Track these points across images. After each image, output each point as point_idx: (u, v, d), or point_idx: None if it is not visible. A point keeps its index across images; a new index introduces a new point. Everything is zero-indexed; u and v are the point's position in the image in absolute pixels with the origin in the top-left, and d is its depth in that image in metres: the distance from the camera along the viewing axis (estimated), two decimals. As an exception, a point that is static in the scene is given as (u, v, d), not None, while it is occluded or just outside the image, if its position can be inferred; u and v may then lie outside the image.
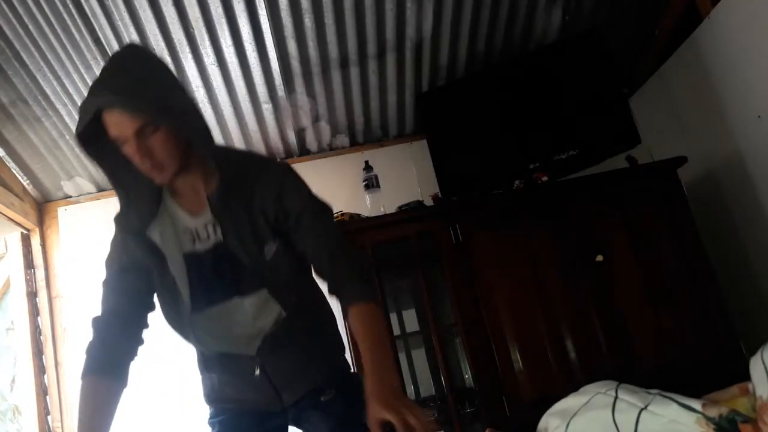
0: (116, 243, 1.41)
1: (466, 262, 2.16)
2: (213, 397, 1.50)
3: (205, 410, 1.53)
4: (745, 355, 2.05)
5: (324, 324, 1.50)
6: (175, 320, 1.38)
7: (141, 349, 1.41)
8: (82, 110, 1.17)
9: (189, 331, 1.38)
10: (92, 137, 1.20)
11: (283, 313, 1.35)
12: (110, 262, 1.42)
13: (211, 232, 1.32)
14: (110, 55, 1.18)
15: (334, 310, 1.50)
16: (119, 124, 1.14)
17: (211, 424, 1.50)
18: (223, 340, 1.40)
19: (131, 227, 1.32)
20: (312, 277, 1.39)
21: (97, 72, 2.31)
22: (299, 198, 1.32)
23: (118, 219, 1.37)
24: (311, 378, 1.37)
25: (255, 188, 1.30)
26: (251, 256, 1.30)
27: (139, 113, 1.13)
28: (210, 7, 2.15)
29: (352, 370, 1.59)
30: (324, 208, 1.36)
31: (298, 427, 1.50)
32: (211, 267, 1.33)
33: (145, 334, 1.40)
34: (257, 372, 1.38)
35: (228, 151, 1.39)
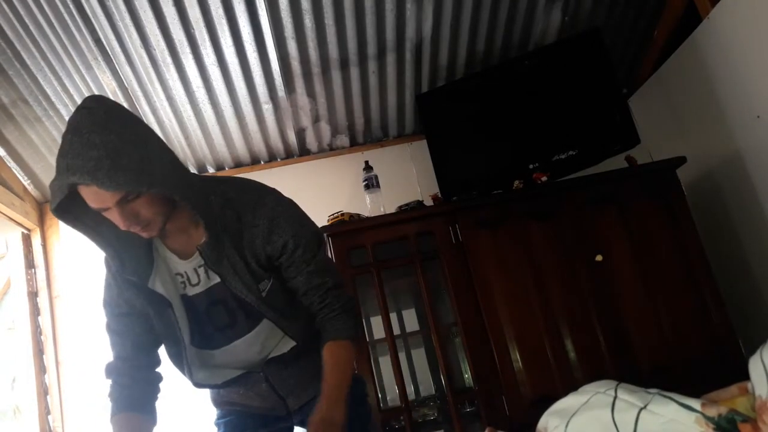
0: (111, 288, 1.39)
1: (466, 261, 2.16)
2: (219, 401, 1.52)
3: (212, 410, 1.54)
4: (744, 355, 2.05)
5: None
6: (177, 360, 1.38)
7: (163, 385, 1.43)
8: (55, 188, 1.11)
9: (191, 370, 1.37)
10: (69, 206, 1.16)
11: (291, 343, 1.36)
12: (107, 306, 1.41)
13: (202, 275, 1.31)
14: (72, 114, 1.12)
15: None
16: (97, 197, 1.10)
17: (218, 424, 1.51)
18: (228, 372, 1.39)
19: (130, 282, 1.29)
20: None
21: (98, 72, 2.33)
22: (288, 236, 1.29)
23: (107, 264, 1.36)
24: (315, 386, 1.35)
25: (245, 230, 1.28)
26: (253, 293, 1.29)
27: (116, 188, 1.07)
28: (210, 7, 2.15)
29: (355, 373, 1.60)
30: (313, 240, 1.33)
31: (305, 428, 1.51)
32: (207, 309, 1.33)
33: (161, 369, 1.41)
34: (263, 385, 1.40)
35: (213, 186, 1.30)
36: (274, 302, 1.31)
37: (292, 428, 1.51)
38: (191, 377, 1.37)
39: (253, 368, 1.39)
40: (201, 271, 1.31)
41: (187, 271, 1.32)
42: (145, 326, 1.35)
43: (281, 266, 1.31)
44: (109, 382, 1.36)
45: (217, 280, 1.30)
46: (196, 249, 1.27)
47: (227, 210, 1.28)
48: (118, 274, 1.32)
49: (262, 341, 1.37)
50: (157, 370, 1.41)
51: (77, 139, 1.08)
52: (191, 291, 1.32)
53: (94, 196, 1.10)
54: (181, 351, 1.34)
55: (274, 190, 1.36)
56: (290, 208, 1.34)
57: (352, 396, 1.30)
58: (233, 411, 1.50)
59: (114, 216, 1.14)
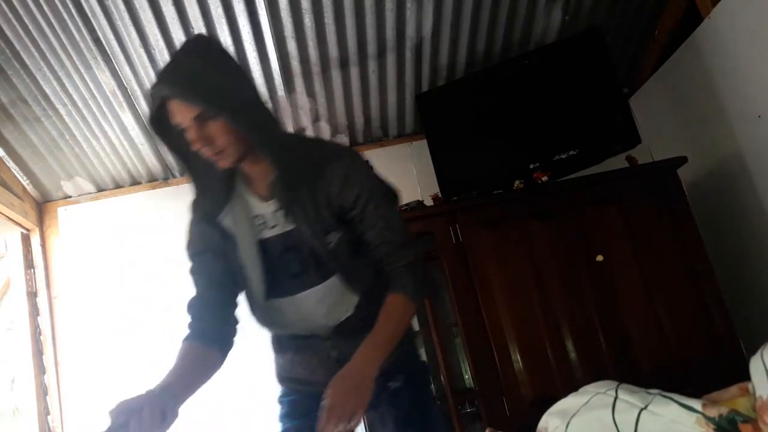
0: (192, 228, 1.43)
1: (466, 262, 2.16)
2: (284, 376, 1.51)
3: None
4: (745, 355, 2.05)
5: None
6: (249, 303, 1.41)
7: (240, 327, 1.42)
8: (150, 98, 1.33)
9: (261, 315, 1.40)
10: (164, 124, 1.26)
11: (356, 299, 1.37)
12: (188, 247, 1.44)
13: (280, 219, 1.34)
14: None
15: None
16: (179, 112, 1.21)
17: (281, 402, 1.51)
18: (296, 325, 1.41)
19: (205, 213, 1.37)
20: None
21: (97, 72, 2.33)
22: (363, 188, 1.33)
23: (193, 205, 1.42)
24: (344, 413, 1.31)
25: (320, 178, 1.32)
26: (320, 243, 1.32)
27: (194, 103, 1.18)
28: (210, 7, 2.15)
29: (421, 359, 1.58)
30: (388, 195, 1.40)
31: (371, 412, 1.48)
32: (282, 255, 1.35)
33: (238, 312, 1.42)
34: (332, 354, 1.39)
35: (293, 141, 1.42)
36: (341, 255, 1.33)
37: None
38: (263, 318, 1.40)
39: (321, 333, 1.39)
40: (279, 215, 1.34)
41: (265, 214, 1.36)
42: (219, 265, 1.38)
43: (353, 220, 1.34)
44: (189, 317, 1.39)
45: (293, 225, 1.33)
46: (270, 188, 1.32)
47: (304, 159, 1.33)
48: (195, 205, 1.40)
49: (329, 303, 1.37)
50: (234, 312, 1.41)
51: (175, 59, 1.27)
52: (267, 234, 1.36)
53: (175, 110, 1.21)
54: (252, 293, 1.37)
55: (351, 148, 1.41)
56: (365, 164, 1.39)
57: (424, 384, 1.33)
58: (297, 390, 1.49)
59: (191, 135, 1.22)
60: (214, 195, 1.36)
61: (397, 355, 1.40)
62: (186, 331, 1.36)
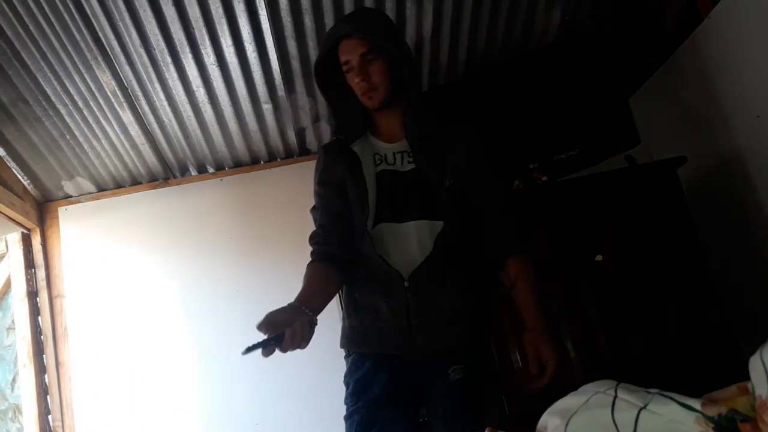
0: (319, 164, 1.68)
1: (466, 261, 2.16)
2: (351, 337, 1.58)
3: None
4: (744, 355, 2.05)
5: (475, 292, 1.57)
6: (357, 234, 1.57)
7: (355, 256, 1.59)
8: (325, 39, 1.59)
9: (365, 244, 1.53)
10: (326, 75, 1.60)
11: (430, 248, 1.50)
12: (316, 180, 1.67)
13: (399, 159, 1.58)
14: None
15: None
16: (350, 49, 1.51)
17: (345, 359, 1.61)
18: (392, 256, 1.53)
19: (339, 143, 1.63)
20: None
21: (97, 72, 2.34)
22: (479, 150, 1.61)
23: (325, 147, 1.72)
24: (447, 335, 1.49)
25: (449, 133, 1.61)
26: (436, 182, 1.54)
27: (367, 40, 1.50)
28: (210, 7, 2.15)
29: (487, 351, 1.72)
30: (492, 166, 1.62)
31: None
32: (392, 188, 1.56)
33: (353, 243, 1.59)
34: (404, 298, 1.48)
35: (427, 99, 1.71)
36: (450, 198, 1.54)
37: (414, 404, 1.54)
38: (366, 243, 1.53)
39: (404, 272, 1.50)
40: (398, 156, 1.59)
41: (386, 153, 1.60)
42: (341, 197, 1.60)
43: (470, 177, 1.58)
44: (312, 246, 1.60)
45: (411, 167, 1.57)
46: (403, 134, 1.59)
47: (435, 115, 1.62)
48: (327, 147, 1.71)
49: (424, 239, 1.52)
50: (348, 240, 1.58)
51: (356, 11, 1.89)
52: (383, 167, 1.59)
53: (346, 48, 1.52)
54: (361, 220, 1.55)
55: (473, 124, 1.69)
56: (482, 137, 1.66)
57: (482, 380, 1.49)
58: (364, 355, 1.55)
59: (354, 69, 1.52)
60: (350, 128, 1.63)
61: (464, 336, 1.52)
62: (311, 257, 1.58)
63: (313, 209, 1.66)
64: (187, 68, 2.39)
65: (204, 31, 2.24)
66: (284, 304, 1.48)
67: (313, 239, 1.59)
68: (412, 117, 1.57)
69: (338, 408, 1.82)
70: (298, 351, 1.30)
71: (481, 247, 1.58)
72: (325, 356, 1.81)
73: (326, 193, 1.62)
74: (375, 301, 1.52)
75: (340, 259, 1.55)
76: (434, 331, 1.48)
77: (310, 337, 1.34)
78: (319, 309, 1.43)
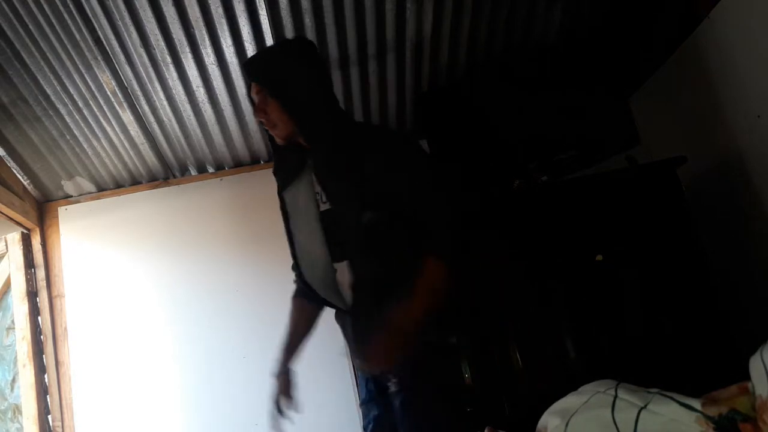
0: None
1: (466, 261, 2.16)
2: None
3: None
4: (744, 355, 2.05)
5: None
6: (305, 275, 1.66)
7: None
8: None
9: (318, 284, 1.63)
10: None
11: (359, 283, 1.50)
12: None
13: (323, 197, 1.55)
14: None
15: None
16: (253, 88, 1.62)
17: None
18: (332, 298, 1.62)
19: (277, 187, 1.68)
20: (408, 269, 1.45)
21: (97, 71, 2.34)
22: (415, 175, 1.51)
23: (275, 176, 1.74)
24: (379, 361, 1.49)
25: (363, 161, 1.50)
26: (349, 223, 1.48)
27: (252, 78, 1.63)
28: (210, 7, 2.15)
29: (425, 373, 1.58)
30: (436, 181, 1.54)
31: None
32: (326, 227, 1.54)
33: None
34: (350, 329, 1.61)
35: (346, 129, 1.61)
36: (372, 234, 1.47)
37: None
38: (318, 286, 1.62)
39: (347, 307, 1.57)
40: (322, 193, 1.57)
41: (318, 192, 1.57)
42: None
43: (399, 198, 1.51)
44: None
45: (326, 207, 1.54)
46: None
47: (346, 146, 1.55)
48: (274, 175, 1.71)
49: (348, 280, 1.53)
50: None
51: (262, 49, 2.05)
52: (322, 207, 1.56)
53: (253, 87, 1.62)
54: (311, 261, 1.60)
55: (398, 135, 1.85)
56: (410, 150, 1.64)
57: (416, 388, 1.47)
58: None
59: (257, 105, 1.60)
60: (285, 172, 1.64)
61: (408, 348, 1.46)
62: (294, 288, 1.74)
63: None
64: (187, 68, 2.39)
65: (204, 30, 2.23)
66: (282, 303, 1.69)
67: (293, 269, 1.72)
68: (314, 156, 1.57)
69: (338, 408, 1.83)
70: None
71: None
72: (325, 356, 1.82)
73: (288, 230, 1.68)
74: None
75: (311, 294, 1.67)
76: (371, 357, 1.51)
77: (292, 387, 1.67)
78: (296, 349, 1.71)
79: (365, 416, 1.66)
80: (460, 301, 1.58)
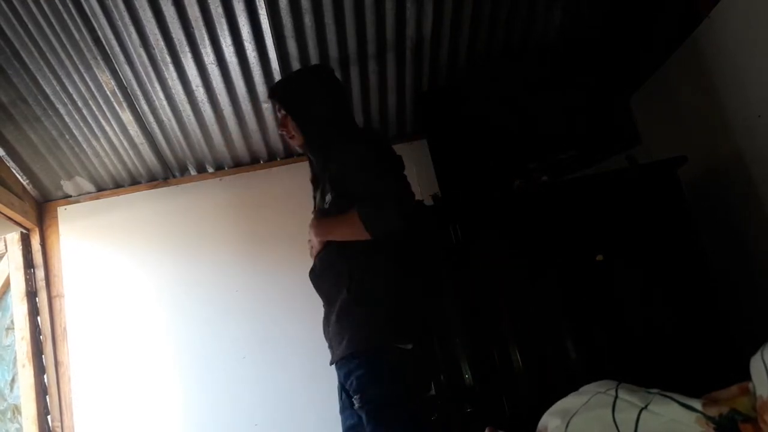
0: None
1: (466, 261, 2.16)
2: None
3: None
4: (744, 355, 2.04)
5: (363, 309, 1.67)
6: None
7: None
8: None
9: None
10: None
11: (322, 260, 1.80)
12: None
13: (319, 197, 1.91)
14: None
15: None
16: (276, 105, 1.97)
17: None
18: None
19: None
20: (375, 262, 1.70)
21: (97, 71, 2.34)
22: (359, 165, 1.74)
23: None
24: (338, 351, 1.67)
25: (334, 159, 1.80)
26: (321, 204, 1.84)
27: (273, 97, 2.00)
28: (210, 6, 2.15)
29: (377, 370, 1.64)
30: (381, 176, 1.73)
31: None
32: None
33: None
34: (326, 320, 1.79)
35: (340, 142, 1.83)
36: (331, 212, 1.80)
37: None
38: None
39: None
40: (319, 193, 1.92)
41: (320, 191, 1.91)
42: None
43: (344, 182, 1.77)
44: None
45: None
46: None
47: (329, 152, 1.85)
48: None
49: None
50: None
51: (289, 73, 2.39)
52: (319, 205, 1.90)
53: (276, 105, 1.98)
54: None
55: (362, 145, 1.85)
56: (364, 158, 1.82)
57: (377, 371, 1.58)
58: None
59: (279, 119, 1.94)
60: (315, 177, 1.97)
61: (350, 350, 1.63)
62: None
63: None
64: (186, 68, 2.39)
65: (204, 30, 2.23)
66: (282, 304, 1.68)
67: None
68: (310, 159, 1.97)
69: (338, 408, 1.81)
70: (297, 352, 1.52)
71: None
72: (325, 356, 1.81)
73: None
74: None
75: None
76: (337, 343, 1.69)
77: None
78: None
79: (342, 424, 1.75)
80: (415, 309, 1.70)
